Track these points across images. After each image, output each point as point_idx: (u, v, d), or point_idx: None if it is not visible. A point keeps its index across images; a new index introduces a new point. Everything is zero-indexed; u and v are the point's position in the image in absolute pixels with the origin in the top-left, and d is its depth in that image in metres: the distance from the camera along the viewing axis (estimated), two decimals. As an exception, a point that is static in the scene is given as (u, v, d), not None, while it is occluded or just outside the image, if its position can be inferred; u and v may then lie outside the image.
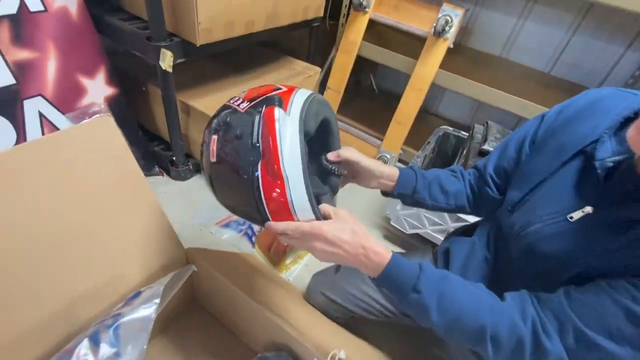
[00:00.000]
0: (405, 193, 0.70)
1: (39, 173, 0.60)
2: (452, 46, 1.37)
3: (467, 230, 0.81)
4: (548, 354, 0.46)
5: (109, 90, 1.19)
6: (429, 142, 1.39)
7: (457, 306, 0.50)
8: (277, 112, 0.49)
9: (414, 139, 1.64)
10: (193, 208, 1.33)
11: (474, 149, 1.19)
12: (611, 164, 0.47)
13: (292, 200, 0.49)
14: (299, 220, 0.52)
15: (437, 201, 0.71)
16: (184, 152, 1.39)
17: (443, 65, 1.41)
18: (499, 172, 0.69)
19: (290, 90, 0.54)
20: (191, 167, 1.43)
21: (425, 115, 2.05)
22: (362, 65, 1.67)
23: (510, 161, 0.66)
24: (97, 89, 1.16)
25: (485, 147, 1.14)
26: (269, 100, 0.50)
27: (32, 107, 1.02)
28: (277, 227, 0.52)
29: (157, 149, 1.44)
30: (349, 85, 1.65)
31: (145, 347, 0.58)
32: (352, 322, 0.91)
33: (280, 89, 0.54)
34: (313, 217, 0.52)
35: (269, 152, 0.48)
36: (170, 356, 0.89)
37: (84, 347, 0.55)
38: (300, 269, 1.17)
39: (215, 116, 0.56)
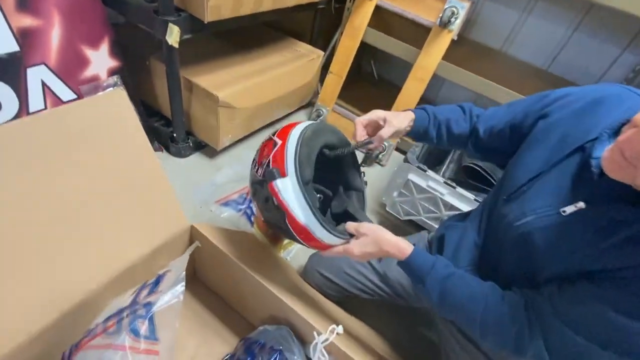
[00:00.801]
0: (417, 133, 0.77)
1: (52, 143, 0.61)
2: (456, 38, 1.39)
3: (463, 215, 0.85)
4: (527, 350, 0.54)
5: (112, 63, 1.18)
6: (427, 132, 1.42)
7: (454, 300, 0.61)
8: (276, 185, 0.60)
9: (412, 128, 1.66)
10: (192, 185, 1.35)
11: (471, 141, 1.23)
12: None
13: (319, 238, 0.64)
14: (332, 245, 0.67)
15: (441, 140, 0.78)
16: (185, 129, 1.39)
17: (444, 57, 1.42)
18: (487, 132, 0.73)
19: (284, 141, 0.63)
20: (191, 144, 1.43)
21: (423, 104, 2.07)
22: (363, 50, 1.67)
23: (501, 127, 0.71)
24: (101, 60, 1.14)
25: (482, 139, 1.18)
26: (268, 175, 0.61)
27: (35, 76, 1.01)
28: (323, 255, 0.68)
29: (157, 125, 1.44)
30: (349, 69, 1.65)
31: (177, 327, 0.65)
32: (345, 300, 0.95)
33: (277, 144, 0.64)
34: (341, 241, 0.66)
35: (286, 213, 0.61)
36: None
37: (128, 340, 0.60)
38: (297, 249, 1.21)
39: (250, 182, 0.71)
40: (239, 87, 1.30)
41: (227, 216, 1.25)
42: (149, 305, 0.66)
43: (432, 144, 0.80)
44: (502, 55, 1.72)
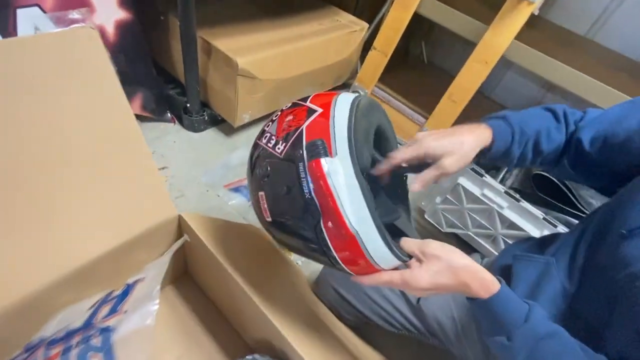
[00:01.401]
0: (496, 155, 0.53)
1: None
2: (537, 12, 1.11)
3: (538, 245, 0.62)
4: None
5: (121, 14, 1.02)
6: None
7: None
8: (325, 164, 0.40)
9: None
10: (202, 164, 1.18)
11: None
12: None
13: (369, 254, 0.42)
14: (382, 269, 0.45)
15: (523, 162, 0.55)
16: (200, 100, 1.22)
17: (515, 38, 1.15)
18: (597, 141, 0.51)
19: (327, 108, 0.44)
20: (206, 118, 1.26)
21: (478, 98, 1.78)
22: (413, 30, 1.42)
23: (629, 134, 0.48)
24: (107, 9, 0.98)
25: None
26: (311, 148, 0.41)
27: (27, 19, 0.86)
28: (363, 282, 0.46)
29: (172, 93, 1.28)
30: (396, 51, 1.41)
31: (149, 353, 0.48)
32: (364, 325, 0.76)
33: (314, 111, 0.44)
34: (398, 263, 0.45)
35: (329, 211, 0.41)
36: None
37: None
38: (312, 253, 1.01)
39: (252, 164, 0.49)
40: (264, 54, 1.10)
41: (235, 204, 1.08)
42: (107, 331, 0.50)
43: (509, 166, 0.59)
44: (586, 42, 1.41)
